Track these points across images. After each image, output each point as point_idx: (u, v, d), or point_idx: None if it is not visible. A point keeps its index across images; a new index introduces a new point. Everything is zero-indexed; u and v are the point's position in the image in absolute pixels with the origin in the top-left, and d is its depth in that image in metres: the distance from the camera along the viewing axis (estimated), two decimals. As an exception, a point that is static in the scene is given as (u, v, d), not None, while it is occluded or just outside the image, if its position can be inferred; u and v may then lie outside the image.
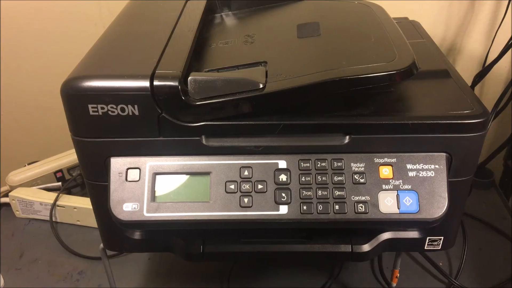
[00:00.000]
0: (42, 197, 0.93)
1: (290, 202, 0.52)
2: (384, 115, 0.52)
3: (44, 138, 1.23)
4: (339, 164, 0.52)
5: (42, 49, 1.12)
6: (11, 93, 1.17)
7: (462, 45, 1.00)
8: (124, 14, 0.66)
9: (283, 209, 0.52)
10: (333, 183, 0.52)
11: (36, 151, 1.13)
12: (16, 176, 0.97)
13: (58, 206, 0.91)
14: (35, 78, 1.15)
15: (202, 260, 0.58)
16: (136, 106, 0.49)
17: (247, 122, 0.51)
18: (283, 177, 0.52)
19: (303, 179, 0.52)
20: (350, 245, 0.57)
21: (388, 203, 0.51)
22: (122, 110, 0.49)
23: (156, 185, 0.53)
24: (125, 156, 0.53)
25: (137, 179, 0.53)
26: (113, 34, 0.60)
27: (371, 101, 0.54)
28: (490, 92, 1.01)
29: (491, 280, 0.77)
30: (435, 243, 0.58)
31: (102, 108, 0.49)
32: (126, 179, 0.53)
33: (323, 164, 0.52)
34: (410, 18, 0.79)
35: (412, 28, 0.74)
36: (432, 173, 0.52)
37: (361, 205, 0.51)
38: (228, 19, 0.71)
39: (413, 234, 0.57)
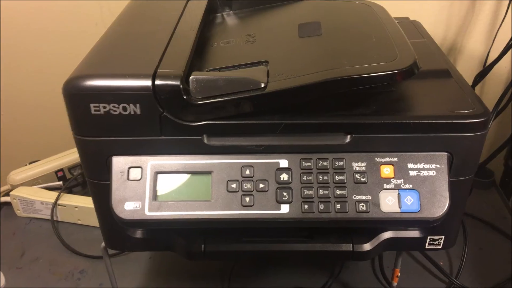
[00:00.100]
0: (43, 196, 0.93)
1: (291, 201, 0.52)
2: (385, 115, 0.52)
3: (45, 137, 1.23)
4: (341, 163, 0.52)
5: (43, 49, 1.12)
6: (12, 92, 1.17)
7: (462, 45, 1.00)
8: (125, 14, 0.66)
9: (285, 208, 0.52)
10: (334, 182, 0.52)
11: (37, 150, 1.13)
12: (17, 175, 0.97)
13: (59, 205, 0.91)
14: (36, 78, 1.15)
15: (204, 259, 0.58)
16: (138, 105, 0.49)
17: (248, 122, 0.51)
18: (284, 176, 0.52)
19: (304, 178, 0.52)
20: (351, 244, 0.57)
21: (389, 203, 0.52)
22: (124, 109, 0.49)
23: (157, 184, 0.53)
24: (127, 155, 0.53)
25: (139, 178, 0.53)
26: (114, 34, 0.60)
27: (373, 100, 0.54)
28: (490, 92, 1.01)
29: (491, 279, 0.77)
30: (436, 242, 0.58)
31: (104, 107, 0.49)
32: (128, 178, 0.53)
33: (325, 163, 0.52)
34: (411, 18, 0.79)
35: (413, 28, 0.75)
36: (433, 173, 0.52)
37: (362, 204, 0.52)
38: (229, 18, 0.71)
39: (414, 233, 0.57)
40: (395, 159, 0.52)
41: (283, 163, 0.53)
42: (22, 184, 0.97)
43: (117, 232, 0.58)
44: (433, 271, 0.80)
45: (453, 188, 0.52)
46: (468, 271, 0.79)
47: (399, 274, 0.68)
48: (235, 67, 0.54)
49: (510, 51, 0.89)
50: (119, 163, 0.53)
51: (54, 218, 0.92)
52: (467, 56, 1.00)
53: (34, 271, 0.83)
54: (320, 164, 0.52)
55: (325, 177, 0.52)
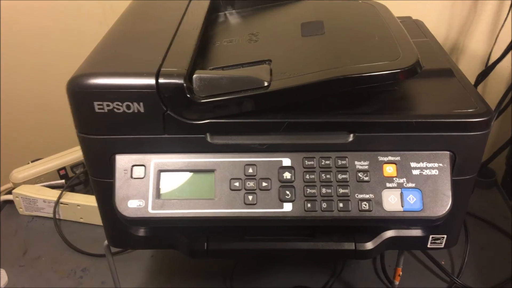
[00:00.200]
0: (46, 195, 0.93)
1: (294, 200, 0.52)
2: (388, 114, 0.52)
3: (47, 135, 1.23)
4: (343, 162, 0.52)
5: (46, 48, 1.12)
6: (15, 91, 1.18)
7: (465, 44, 1.00)
8: (128, 13, 0.67)
9: (287, 207, 0.52)
10: (337, 181, 0.52)
11: (40, 149, 1.13)
12: (20, 173, 0.97)
13: (61, 203, 0.92)
14: (38, 76, 1.16)
15: (206, 257, 0.58)
16: (141, 104, 0.49)
17: (251, 120, 0.51)
18: (287, 175, 0.53)
19: (307, 177, 0.52)
20: (354, 243, 0.57)
21: (392, 201, 0.52)
22: (128, 107, 0.49)
23: (161, 182, 0.53)
24: (130, 153, 0.53)
25: (142, 176, 0.53)
26: (118, 32, 0.60)
27: (375, 99, 0.54)
28: (492, 92, 1.01)
29: (493, 279, 0.78)
30: (438, 241, 0.58)
31: (108, 105, 0.49)
32: (131, 176, 0.53)
33: (327, 162, 0.53)
34: (414, 18, 0.79)
35: (415, 27, 0.75)
36: (436, 172, 0.52)
37: (365, 203, 0.52)
38: (232, 17, 0.71)
39: (417, 232, 0.58)
40: (398, 158, 0.53)
41: (286, 161, 0.53)
42: (25, 182, 0.97)
43: (120, 230, 0.58)
44: (434, 270, 0.80)
45: (456, 187, 0.52)
46: (470, 271, 0.79)
47: (401, 273, 0.68)
48: (238, 66, 0.55)
49: (512, 50, 0.89)
50: (122, 161, 0.53)
51: (57, 216, 0.92)
52: (469, 55, 1.00)
53: (36, 269, 0.83)
54: (323, 163, 0.53)
55: (328, 176, 0.52)
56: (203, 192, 0.53)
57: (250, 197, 0.52)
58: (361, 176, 0.52)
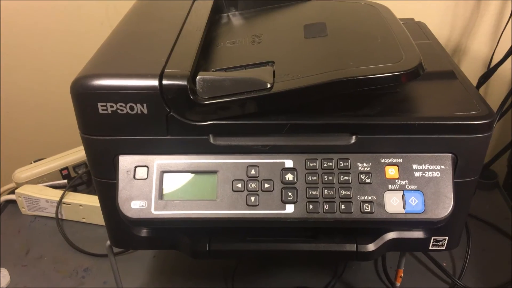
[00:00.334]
0: (48, 195, 0.93)
1: (296, 201, 0.52)
2: (390, 116, 0.52)
3: (50, 135, 1.24)
4: (346, 164, 0.53)
5: (48, 48, 1.12)
6: (18, 91, 1.18)
7: (467, 46, 1.00)
8: (132, 14, 0.67)
9: (290, 208, 0.52)
10: (339, 183, 0.52)
11: (42, 149, 1.14)
12: (23, 173, 0.98)
13: (64, 203, 0.92)
14: (41, 77, 1.16)
15: (208, 258, 0.58)
16: (145, 105, 0.50)
17: (254, 122, 0.52)
18: (289, 176, 0.53)
19: (309, 178, 0.53)
20: (355, 245, 0.57)
21: (394, 203, 0.52)
22: (131, 108, 0.50)
23: (163, 183, 0.53)
24: (134, 154, 0.53)
25: (145, 177, 0.53)
26: (121, 33, 0.60)
27: (378, 101, 0.54)
28: (494, 94, 1.01)
29: (494, 280, 0.78)
30: (440, 243, 0.58)
31: (111, 106, 0.50)
32: (134, 177, 0.53)
33: (330, 163, 0.53)
34: (416, 19, 0.79)
35: (418, 29, 0.75)
36: (437, 174, 0.52)
37: (367, 204, 0.52)
38: (235, 19, 0.72)
39: (418, 234, 0.58)
40: (400, 160, 0.53)
41: (289, 163, 0.53)
42: (27, 182, 0.97)
43: (123, 231, 0.58)
44: (436, 271, 0.80)
45: (458, 189, 0.52)
46: (471, 272, 0.79)
47: (402, 275, 0.68)
48: (241, 68, 0.55)
49: (514, 52, 0.89)
50: (125, 162, 0.53)
51: (59, 216, 0.92)
52: (471, 57, 1.00)
53: (38, 269, 0.83)
54: (325, 165, 0.53)
55: (330, 178, 0.52)
56: (205, 193, 0.53)
57: (253, 198, 0.52)
58: (363, 178, 0.52)
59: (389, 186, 0.52)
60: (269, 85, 0.50)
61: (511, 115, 0.99)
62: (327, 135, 0.53)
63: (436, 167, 0.52)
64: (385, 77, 0.48)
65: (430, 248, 0.59)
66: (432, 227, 0.56)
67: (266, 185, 0.53)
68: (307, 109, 0.52)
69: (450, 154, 0.52)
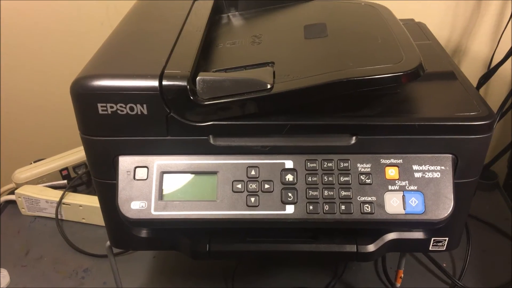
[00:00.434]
0: (48, 195, 0.93)
1: (296, 202, 0.52)
2: (390, 116, 0.52)
3: (50, 136, 1.23)
4: (346, 164, 0.53)
5: (48, 48, 1.12)
6: (17, 91, 1.18)
7: (467, 46, 1.00)
8: (132, 14, 0.67)
9: (290, 209, 0.52)
10: (339, 184, 0.52)
11: (42, 149, 1.14)
12: (22, 173, 0.98)
13: (63, 204, 0.92)
14: (41, 77, 1.16)
15: (208, 259, 0.58)
16: (144, 106, 0.50)
17: (254, 122, 0.52)
18: (289, 177, 0.53)
19: (309, 179, 0.52)
20: (355, 245, 0.57)
21: (394, 204, 0.52)
22: (131, 109, 0.50)
23: (163, 184, 0.53)
24: (133, 155, 0.53)
25: (145, 177, 0.53)
26: (121, 34, 0.60)
27: (378, 102, 0.54)
28: (495, 94, 1.01)
29: (494, 281, 0.78)
30: (440, 244, 0.58)
31: (111, 107, 0.49)
32: (134, 178, 0.53)
33: (330, 164, 0.53)
34: (416, 20, 0.79)
35: (418, 29, 0.75)
36: (438, 174, 0.52)
37: (367, 205, 0.52)
38: (235, 19, 0.72)
39: (418, 234, 0.58)
40: (400, 161, 0.53)
41: (289, 164, 0.53)
42: (27, 183, 0.97)
43: (123, 231, 0.58)
44: (436, 272, 0.80)
45: (458, 190, 0.52)
46: (471, 273, 0.79)
47: (402, 275, 0.68)
48: (241, 68, 0.55)
49: (514, 53, 0.89)
50: (125, 162, 0.53)
51: (59, 217, 0.92)
52: (472, 58, 1.00)
53: (38, 269, 0.83)
54: (325, 165, 0.53)
55: (330, 178, 0.52)
56: (205, 194, 0.53)
57: (253, 199, 0.52)
58: (363, 178, 0.52)
59: (389, 187, 0.52)
60: (269, 86, 0.50)
61: (511, 116, 0.99)
62: (327, 135, 0.53)
63: (436, 167, 0.52)
64: (385, 77, 0.48)
65: (430, 248, 0.59)
66: (432, 227, 0.56)
67: (266, 186, 0.53)
68: (307, 110, 0.52)
69: (450, 155, 0.52)
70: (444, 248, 0.59)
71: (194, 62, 0.52)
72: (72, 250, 0.87)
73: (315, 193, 0.52)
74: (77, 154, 1.02)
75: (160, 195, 0.53)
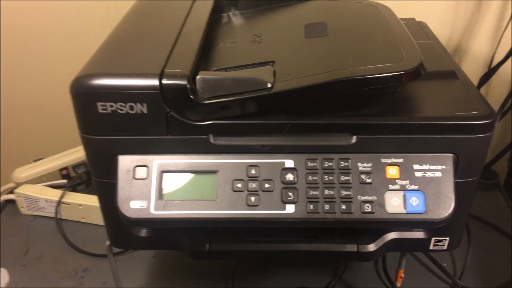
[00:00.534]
0: (48, 194, 0.93)
1: (296, 201, 0.52)
2: (391, 116, 0.52)
3: (49, 135, 1.23)
4: (346, 164, 0.52)
5: (48, 48, 1.12)
6: (17, 91, 1.18)
7: (468, 46, 1.00)
8: (132, 13, 0.67)
9: (290, 208, 0.52)
10: (339, 183, 0.52)
11: (42, 148, 1.13)
12: (22, 173, 0.97)
13: (63, 203, 0.92)
14: (41, 76, 1.16)
15: (208, 258, 0.58)
16: (144, 105, 0.49)
17: (254, 121, 0.51)
18: (290, 176, 0.53)
19: (310, 178, 0.52)
20: (356, 245, 0.57)
21: (394, 203, 0.52)
22: (131, 108, 0.49)
23: (163, 183, 0.53)
24: (133, 154, 0.53)
25: (145, 177, 0.53)
26: (121, 33, 0.60)
27: (378, 101, 0.54)
28: (495, 94, 1.01)
29: (494, 281, 0.77)
30: (441, 243, 0.58)
31: (111, 106, 0.49)
32: (134, 177, 0.53)
33: (330, 163, 0.52)
34: (417, 19, 0.79)
35: (419, 28, 0.75)
36: (439, 174, 0.52)
37: (367, 205, 0.52)
38: (236, 18, 0.72)
39: (419, 234, 0.57)
40: (401, 160, 0.52)
41: (289, 163, 0.53)
42: (27, 182, 0.97)
43: (122, 231, 0.58)
44: (436, 272, 0.80)
45: (459, 190, 0.52)
46: (472, 273, 0.79)
47: (402, 275, 0.68)
48: (242, 67, 0.55)
49: (515, 52, 0.89)
50: (125, 161, 0.53)
51: (58, 216, 0.92)
52: (472, 57, 1.00)
53: (38, 269, 0.83)
54: (325, 165, 0.53)
55: (331, 178, 0.52)
56: (205, 193, 0.53)
57: (253, 199, 0.52)
58: (363, 178, 0.52)
59: (390, 186, 0.52)
60: (269, 85, 0.50)
61: (511, 115, 0.98)
62: (327, 135, 0.52)
63: (437, 167, 0.52)
64: (386, 77, 0.48)
65: (430, 248, 0.58)
66: (433, 227, 0.56)
67: (267, 185, 0.52)
68: (308, 109, 0.52)
69: (451, 154, 0.52)
70: (445, 248, 0.59)
71: (194, 61, 0.51)
72: (72, 249, 0.86)
73: (315, 192, 0.52)
74: (77, 154, 1.02)
75: (160, 195, 0.53)
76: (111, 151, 0.53)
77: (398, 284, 0.70)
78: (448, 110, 0.53)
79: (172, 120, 0.50)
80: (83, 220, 0.92)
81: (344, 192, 0.52)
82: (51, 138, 1.22)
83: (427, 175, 0.52)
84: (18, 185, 0.97)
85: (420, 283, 0.78)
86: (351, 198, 0.52)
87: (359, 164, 0.52)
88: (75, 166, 1.01)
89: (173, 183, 0.53)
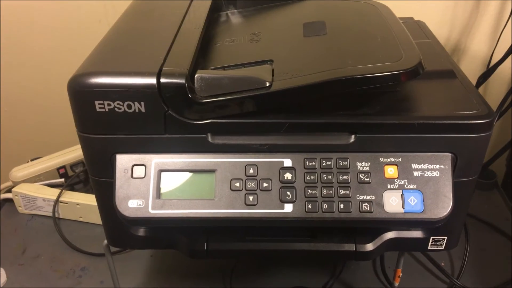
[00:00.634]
0: (45, 193, 0.93)
1: (295, 201, 0.52)
2: (389, 115, 0.52)
3: (47, 134, 1.23)
4: (344, 163, 0.52)
5: (46, 46, 1.12)
6: (15, 89, 1.18)
7: (466, 45, 1.00)
8: (130, 12, 0.66)
9: (288, 208, 0.52)
10: (338, 182, 0.52)
11: (39, 147, 1.13)
12: (19, 172, 0.97)
13: (61, 202, 0.91)
14: (38, 75, 1.15)
15: (206, 258, 0.58)
16: (142, 103, 0.49)
17: (253, 120, 0.51)
18: (288, 176, 0.52)
19: (308, 177, 0.52)
20: (354, 244, 0.57)
21: (393, 203, 0.52)
22: (129, 107, 0.49)
23: (161, 182, 0.53)
24: (131, 153, 0.53)
25: (143, 176, 0.53)
26: (119, 31, 0.60)
27: (377, 100, 0.54)
28: (494, 93, 1.01)
29: (493, 280, 0.77)
30: (439, 243, 0.58)
31: (109, 104, 0.49)
32: (132, 176, 0.53)
33: (328, 163, 0.52)
34: (416, 18, 0.79)
35: (417, 28, 0.74)
36: (437, 173, 0.52)
37: (366, 204, 0.52)
38: (234, 17, 0.71)
39: (417, 234, 0.57)
40: (399, 160, 0.52)
41: (287, 162, 0.53)
42: (24, 181, 0.97)
43: (120, 230, 0.58)
44: (434, 271, 0.80)
45: (457, 189, 0.52)
46: (470, 272, 0.79)
47: (400, 275, 0.68)
48: (240, 66, 0.54)
49: (513, 52, 0.89)
50: (123, 160, 0.53)
51: (56, 215, 0.92)
52: (471, 56, 1.00)
53: (35, 268, 0.83)
54: (324, 164, 0.52)
55: (329, 177, 0.52)
56: (203, 192, 0.53)
57: (251, 198, 0.52)
58: (362, 177, 0.52)
59: (388, 186, 0.52)
60: (268, 84, 0.50)
61: (511, 115, 0.98)
62: (326, 134, 0.52)
63: (435, 166, 0.52)
64: (385, 76, 0.48)
65: (429, 248, 0.58)
66: (431, 227, 0.56)
67: (265, 184, 0.52)
68: (306, 108, 0.52)
69: (450, 154, 0.52)
70: (443, 247, 0.58)
71: (192, 59, 0.51)
72: (69, 248, 0.86)
73: (313, 191, 0.52)
74: (75, 152, 1.02)
75: (158, 194, 0.53)
76: (109, 150, 0.53)
77: (396, 284, 0.70)
78: (446, 110, 0.53)
79: (170, 119, 0.50)
80: (81, 219, 0.92)
81: (342, 192, 0.52)
82: (49, 137, 1.22)
83: (425, 175, 0.52)
84: (15, 184, 0.96)
85: (418, 282, 0.78)
86: (349, 197, 0.52)
87: (357, 164, 0.52)
88: (73, 165, 1.01)
89: (171, 182, 0.53)
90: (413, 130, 0.51)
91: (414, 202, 0.52)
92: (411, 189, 0.52)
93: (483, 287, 0.77)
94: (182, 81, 0.48)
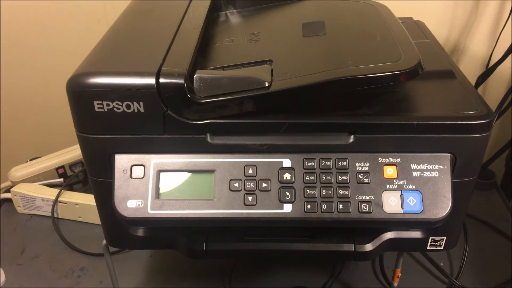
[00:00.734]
0: (44, 193, 0.93)
1: (294, 201, 0.52)
2: (389, 115, 0.52)
3: (46, 134, 1.23)
4: (344, 163, 0.52)
5: (45, 46, 1.12)
6: (14, 89, 1.17)
7: (465, 45, 1.00)
8: (129, 12, 0.66)
9: (287, 208, 0.52)
10: (337, 182, 0.52)
11: (38, 147, 1.13)
12: (18, 171, 0.97)
13: (60, 202, 0.91)
14: (37, 75, 1.15)
15: (205, 258, 0.58)
16: (141, 103, 0.49)
17: (252, 121, 0.51)
18: (287, 176, 0.52)
19: (307, 178, 0.52)
20: (353, 245, 0.57)
21: (392, 203, 0.52)
22: (128, 107, 0.49)
23: (160, 183, 0.53)
24: (130, 153, 0.53)
25: (142, 176, 0.53)
26: (118, 31, 0.60)
27: (376, 100, 0.54)
28: (493, 93, 1.01)
29: (492, 280, 0.77)
30: (438, 243, 0.58)
31: (108, 104, 0.49)
32: (131, 176, 0.53)
33: (328, 163, 0.52)
34: (415, 18, 0.79)
35: (417, 28, 0.74)
36: (436, 174, 0.52)
37: (365, 204, 0.51)
38: (233, 17, 0.71)
39: (416, 234, 0.57)
40: (398, 160, 0.52)
41: (286, 162, 0.53)
42: (23, 181, 0.97)
43: (119, 230, 0.58)
44: (433, 271, 0.80)
45: (456, 189, 0.52)
46: (469, 272, 0.79)
47: (399, 275, 0.68)
48: (239, 66, 0.54)
49: (513, 52, 0.89)
50: (122, 161, 0.53)
51: (55, 215, 0.92)
52: (470, 57, 1.00)
53: (34, 268, 0.83)
54: (323, 164, 0.52)
55: (328, 177, 0.52)
56: (202, 192, 0.53)
57: (250, 198, 0.52)
58: (361, 177, 0.52)
59: (387, 186, 0.52)
60: (267, 84, 0.50)
61: (510, 115, 0.99)
62: (325, 134, 0.52)
63: (434, 167, 0.52)
64: (384, 76, 0.48)
65: (428, 248, 0.58)
66: (430, 227, 0.56)
67: (264, 185, 0.52)
68: (305, 108, 0.52)
69: (449, 154, 0.52)
70: (442, 248, 0.59)
71: (191, 59, 0.51)
72: (68, 248, 0.86)
73: (313, 192, 0.52)
74: (74, 152, 1.02)
75: (157, 194, 0.53)
76: (108, 150, 0.53)
77: (395, 284, 0.70)
78: (445, 110, 0.52)
79: (169, 119, 0.50)
80: (80, 219, 0.92)
81: (341, 192, 0.52)
82: (48, 137, 1.22)
83: (424, 175, 0.52)
84: (14, 184, 0.96)
85: (417, 282, 0.78)
86: (348, 197, 0.52)
87: (356, 164, 0.52)
88: (72, 165, 1.01)
89: (170, 182, 0.53)
90: (412, 131, 0.51)
91: (413, 203, 0.52)
92: (410, 189, 0.52)
93: (482, 287, 0.77)
94: (181, 81, 0.48)
